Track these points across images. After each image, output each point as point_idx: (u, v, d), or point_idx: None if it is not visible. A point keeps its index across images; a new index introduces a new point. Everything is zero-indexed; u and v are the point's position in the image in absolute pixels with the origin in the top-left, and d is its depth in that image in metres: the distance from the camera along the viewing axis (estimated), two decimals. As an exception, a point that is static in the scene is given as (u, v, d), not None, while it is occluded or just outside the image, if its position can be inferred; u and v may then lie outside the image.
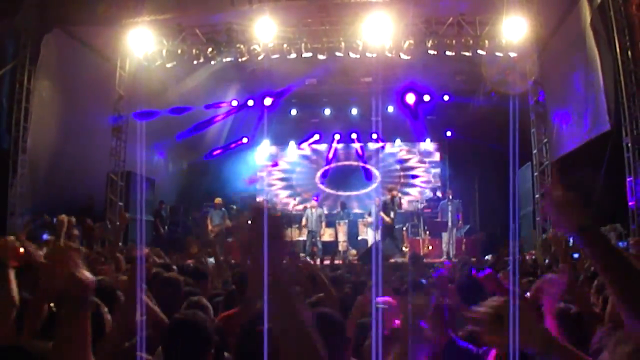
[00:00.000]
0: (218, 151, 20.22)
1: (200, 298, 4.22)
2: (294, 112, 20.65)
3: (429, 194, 20.20)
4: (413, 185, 21.17)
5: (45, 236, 11.10)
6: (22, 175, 13.08)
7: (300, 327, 1.50)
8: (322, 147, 21.61)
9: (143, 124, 15.57)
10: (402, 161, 21.38)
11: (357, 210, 19.88)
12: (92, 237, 10.58)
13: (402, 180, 21.28)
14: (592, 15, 11.37)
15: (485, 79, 17.03)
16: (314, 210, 17.00)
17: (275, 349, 1.53)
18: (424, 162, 21.36)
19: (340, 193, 21.08)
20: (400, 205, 15.34)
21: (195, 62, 14.46)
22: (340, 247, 17.00)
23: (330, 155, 21.51)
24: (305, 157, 21.75)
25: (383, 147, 21.26)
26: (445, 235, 15.48)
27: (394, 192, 15.62)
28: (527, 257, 11.58)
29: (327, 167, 21.48)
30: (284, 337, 1.51)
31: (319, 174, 21.53)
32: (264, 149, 21.61)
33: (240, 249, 1.55)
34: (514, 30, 13.02)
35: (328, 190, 21.29)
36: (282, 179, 21.70)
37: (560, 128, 13.60)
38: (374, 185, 21.06)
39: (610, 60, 11.04)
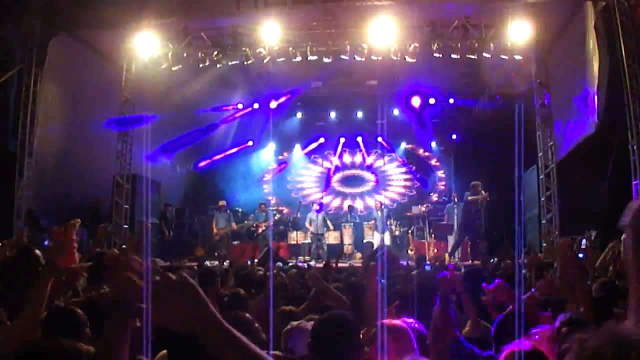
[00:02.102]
0: (223, 154, 20.23)
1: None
2: (299, 115, 20.69)
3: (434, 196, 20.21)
4: (418, 188, 21.13)
5: (47, 243, 11.18)
6: (28, 178, 13.14)
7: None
8: (328, 150, 21.59)
9: (149, 126, 15.61)
10: (407, 164, 21.34)
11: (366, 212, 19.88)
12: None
13: (407, 183, 21.25)
14: (595, 17, 11.34)
15: (491, 82, 17.03)
16: (317, 213, 17.02)
17: None
18: (429, 165, 21.34)
19: (346, 195, 21.10)
20: (485, 203, 14.93)
21: (200, 65, 14.50)
22: (346, 250, 17.02)
23: (336, 159, 21.50)
24: (310, 160, 21.74)
25: (389, 150, 21.24)
26: (451, 239, 15.45)
27: (479, 188, 15.11)
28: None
29: (332, 170, 21.47)
30: None
31: (324, 177, 21.52)
32: (269, 152, 21.61)
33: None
34: (519, 33, 13.01)
35: (333, 193, 21.28)
36: (287, 182, 21.69)
37: (563, 130, 13.59)
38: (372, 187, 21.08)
39: (608, 62, 11.00)
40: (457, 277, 4.35)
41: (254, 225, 17.36)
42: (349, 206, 19.07)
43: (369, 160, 21.47)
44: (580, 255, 7.12)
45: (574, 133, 12.67)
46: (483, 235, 16.27)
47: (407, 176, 21.29)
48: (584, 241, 11.94)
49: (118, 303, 1.89)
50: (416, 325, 3.34)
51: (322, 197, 20.36)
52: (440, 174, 21.16)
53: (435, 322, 3.53)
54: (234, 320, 1.87)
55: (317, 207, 17.44)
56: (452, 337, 3.53)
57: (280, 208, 17.60)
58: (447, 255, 15.13)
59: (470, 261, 14.22)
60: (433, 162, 21.35)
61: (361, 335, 3.21)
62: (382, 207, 17.21)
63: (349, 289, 5.47)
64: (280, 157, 21.77)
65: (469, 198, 14.93)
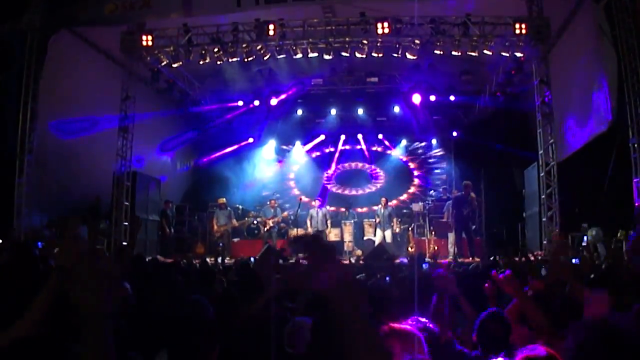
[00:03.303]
0: (224, 151, 20.23)
1: (199, 297, 4.22)
2: (299, 112, 20.64)
3: (434, 194, 20.20)
4: (419, 186, 21.12)
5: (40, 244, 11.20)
6: (28, 175, 13.12)
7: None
8: (328, 147, 21.57)
9: (150, 124, 15.63)
10: (407, 161, 21.34)
11: (366, 210, 19.83)
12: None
13: (408, 180, 21.24)
14: (598, 14, 11.32)
15: (491, 79, 17.02)
16: (318, 210, 17.00)
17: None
18: (430, 162, 21.31)
19: (345, 193, 21.07)
20: (472, 202, 14.89)
21: (201, 62, 14.48)
22: (346, 247, 16.99)
23: (336, 156, 21.47)
24: (310, 157, 21.73)
25: (389, 147, 21.24)
26: (451, 236, 15.43)
27: (469, 189, 14.91)
28: (532, 258, 11.58)
29: (332, 168, 21.45)
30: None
31: (324, 174, 21.50)
32: (269, 149, 21.60)
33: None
34: (520, 30, 12.99)
35: (334, 190, 21.26)
36: (287, 179, 21.67)
37: (567, 128, 13.55)
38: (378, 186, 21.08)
39: (615, 59, 10.98)
40: (451, 278, 4.35)
41: (255, 221, 17.34)
42: (348, 203, 19.00)
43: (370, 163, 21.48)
44: (575, 260, 7.09)
45: (584, 131, 12.59)
46: (478, 233, 16.32)
47: (408, 173, 21.27)
48: (585, 238, 11.94)
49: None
50: (430, 325, 3.35)
51: (322, 194, 20.34)
52: (441, 171, 21.12)
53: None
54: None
55: (318, 203, 17.43)
56: (445, 338, 3.55)
57: (283, 215, 17.51)
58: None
59: (471, 258, 14.22)
60: (433, 159, 21.31)
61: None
62: (386, 204, 17.19)
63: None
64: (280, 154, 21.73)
65: (455, 196, 15.07)
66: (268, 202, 17.83)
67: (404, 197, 20.73)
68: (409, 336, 2.93)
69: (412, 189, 21.06)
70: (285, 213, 17.78)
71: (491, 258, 11.86)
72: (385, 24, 13.22)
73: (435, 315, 3.67)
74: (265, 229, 16.90)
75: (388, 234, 16.59)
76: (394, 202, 19.37)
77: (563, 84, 13.68)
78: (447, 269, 4.06)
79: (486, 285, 4.91)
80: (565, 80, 13.61)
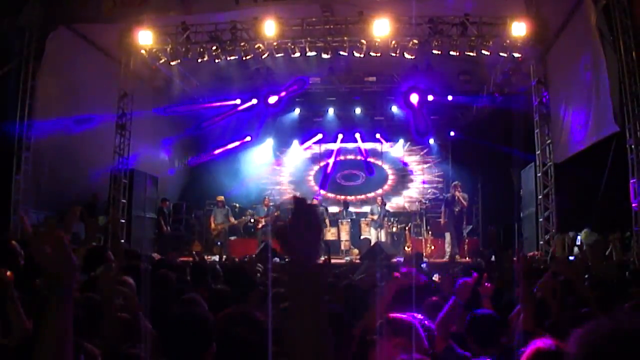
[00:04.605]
0: (221, 149, 20.23)
1: (194, 295, 4.22)
2: (297, 111, 20.65)
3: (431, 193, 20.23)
4: (416, 185, 21.14)
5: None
6: (25, 172, 13.09)
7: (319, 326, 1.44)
8: (326, 146, 21.58)
9: (147, 121, 15.61)
10: (405, 161, 21.35)
11: (363, 209, 19.83)
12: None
13: (405, 179, 21.26)
14: (597, 16, 11.32)
15: (489, 79, 17.03)
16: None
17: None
18: (428, 162, 21.33)
19: (343, 191, 21.09)
20: (461, 202, 15.00)
21: (199, 60, 14.47)
22: (343, 246, 17.02)
23: (334, 155, 21.47)
24: (308, 155, 21.73)
25: (387, 147, 21.25)
26: (448, 236, 15.47)
27: (457, 189, 15.21)
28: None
29: (330, 166, 21.45)
30: (299, 333, 1.45)
31: (321, 173, 21.51)
32: (267, 148, 21.60)
33: (279, 238, 1.48)
34: (518, 31, 13.01)
35: (330, 189, 21.27)
36: (284, 178, 21.68)
37: (568, 129, 13.52)
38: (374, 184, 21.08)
39: (615, 61, 10.98)
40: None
41: (251, 220, 17.34)
42: (344, 202, 19.01)
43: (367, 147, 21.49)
44: (571, 257, 7.14)
45: (590, 132, 12.55)
46: (475, 233, 16.37)
47: (406, 173, 21.30)
48: (578, 237, 11.97)
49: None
50: (426, 322, 3.36)
51: (319, 192, 20.38)
52: (438, 170, 21.14)
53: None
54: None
55: (316, 202, 17.45)
56: (445, 342, 3.56)
57: (275, 214, 17.49)
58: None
59: (467, 258, 14.28)
60: (431, 159, 21.32)
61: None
62: (382, 203, 17.21)
63: (344, 289, 5.28)
64: (277, 152, 21.72)
65: (445, 197, 15.20)
66: (262, 201, 17.85)
67: (401, 196, 20.77)
68: (408, 327, 2.94)
69: (409, 188, 21.10)
70: (277, 212, 17.77)
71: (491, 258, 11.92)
72: (384, 23, 13.24)
73: (445, 320, 3.69)
74: (257, 228, 16.90)
75: (383, 233, 16.61)
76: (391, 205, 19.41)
77: (563, 85, 13.65)
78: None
79: (487, 284, 4.93)
80: (565, 81, 13.58)
